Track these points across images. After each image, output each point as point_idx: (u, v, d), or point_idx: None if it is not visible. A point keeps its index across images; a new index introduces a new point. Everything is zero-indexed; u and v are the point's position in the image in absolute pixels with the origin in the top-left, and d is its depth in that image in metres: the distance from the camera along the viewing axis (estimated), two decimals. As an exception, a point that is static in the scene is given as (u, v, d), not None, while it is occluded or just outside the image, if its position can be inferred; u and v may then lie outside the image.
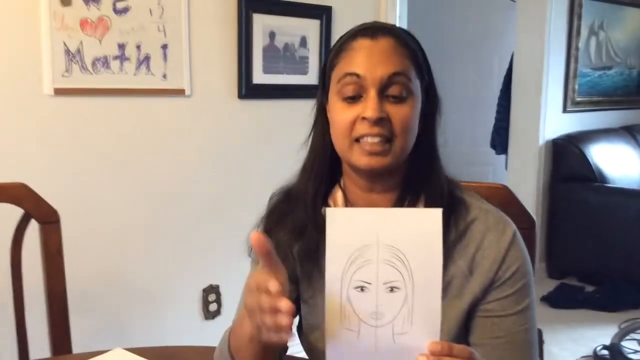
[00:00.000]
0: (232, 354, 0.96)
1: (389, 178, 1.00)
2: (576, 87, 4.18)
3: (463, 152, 4.93)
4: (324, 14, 2.74)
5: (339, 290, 0.80)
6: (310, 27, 2.72)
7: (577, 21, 4.07)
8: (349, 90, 0.96)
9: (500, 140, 4.30)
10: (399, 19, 3.14)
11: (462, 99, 4.88)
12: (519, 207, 1.39)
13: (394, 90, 0.95)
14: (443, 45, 4.74)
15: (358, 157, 0.96)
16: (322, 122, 1.05)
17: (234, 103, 2.57)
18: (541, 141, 3.99)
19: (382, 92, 0.94)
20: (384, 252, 0.79)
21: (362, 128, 0.94)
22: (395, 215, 0.80)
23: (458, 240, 0.98)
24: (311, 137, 1.07)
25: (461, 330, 0.99)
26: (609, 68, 4.48)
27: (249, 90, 2.58)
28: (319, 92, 1.06)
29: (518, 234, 1.00)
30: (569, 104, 4.16)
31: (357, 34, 0.99)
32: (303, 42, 2.70)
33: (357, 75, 0.95)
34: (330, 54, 1.02)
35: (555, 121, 4.07)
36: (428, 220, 0.79)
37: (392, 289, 0.79)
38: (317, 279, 1.02)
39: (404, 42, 0.98)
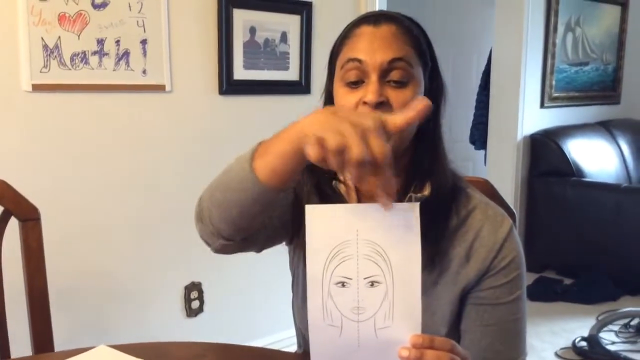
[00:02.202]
0: (257, 150, 0.89)
1: (393, 163, 1.02)
2: (553, 82, 4.23)
3: (443, 147, 4.96)
4: (304, 10, 2.74)
5: (321, 286, 0.81)
6: (290, 23, 2.71)
7: (554, 18, 4.12)
8: (352, 76, 0.98)
9: (479, 136, 4.33)
10: (379, 14, 3.15)
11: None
12: (500, 200, 1.40)
13: (394, 75, 0.97)
14: (422, 41, 4.76)
15: None
16: None
17: (214, 99, 2.56)
18: (519, 136, 4.03)
19: (383, 77, 0.97)
20: (364, 247, 0.80)
21: None
22: (373, 211, 0.81)
23: (459, 227, 1.01)
24: None
25: (454, 314, 1.01)
26: (586, 64, 4.54)
27: (229, 86, 2.57)
28: (326, 80, 1.09)
29: (514, 229, 1.03)
30: (547, 100, 4.21)
31: (361, 21, 1.01)
32: (284, 37, 2.70)
33: (359, 61, 0.97)
34: (336, 42, 1.05)
35: (533, 116, 4.12)
36: (406, 215, 0.80)
37: (372, 284, 0.80)
38: None
39: (406, 28, 1.00)
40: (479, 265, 0.99)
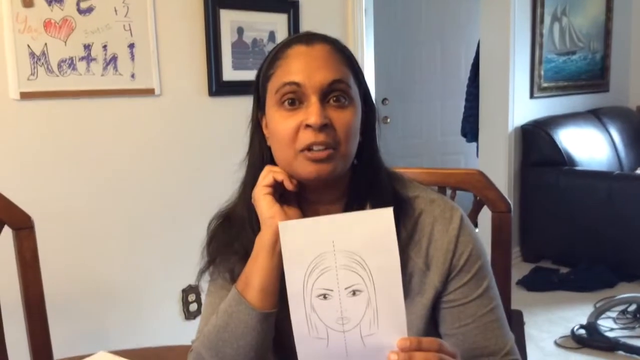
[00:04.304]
0: (238, 288, 0.95)
1: (334, 188, 0.99)
2: (542, 73, 4.24)
3: (435, 141, 4.97)
4: (291, 8, 2.74)
5: (302, 301, 0.81)
6: (278, 22, 2.71)
7: (540, 8, 4.13)
8: (289, 99, 0.93)
9: (470, 128, 4.33)
10: (365, 10, 3.15)
11: (430, 88, 4.91)
12: (495, 191, 1.40)
13: (334, 97, 0.93)
14: (410, 36, 4.76)
15: (304, 166, 0.92)
16: (259, 139, 1.02)
17: (204, 101, 2.55)
18: (510, 127, 4.04)
19: (323, 99, 0.92)
20: (341, 257, 0.80)
21: (306, 137, 0.91)
22: (347, 220, 0.81)
23: (410, 238, 0.98)
24: (248, 155, 1.04)
25: (428, 324, 0.99)
26: (573, 53, 4.55)
27: (219, 87, 2.56)
28: (253, 108, 1.03)
29: (465, 218, 1.01)
30: (536, 90, 4.22)
31: (291, 41, 0.97)
32: (271, 36, 2.69)
33: (297, 84, 0.92)
34: (264, 66, 0.99)
35: (523, 107, 4.12)
36: (380, 221, 0.80)
37: (354, 293, 0.80)
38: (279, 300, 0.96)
39: (340, 48, 0.97)
40: (440, 270, 0.97)
